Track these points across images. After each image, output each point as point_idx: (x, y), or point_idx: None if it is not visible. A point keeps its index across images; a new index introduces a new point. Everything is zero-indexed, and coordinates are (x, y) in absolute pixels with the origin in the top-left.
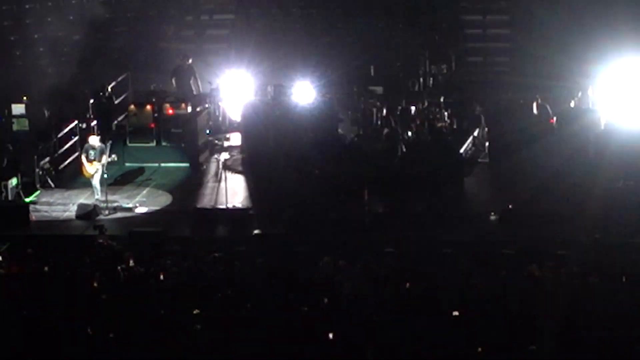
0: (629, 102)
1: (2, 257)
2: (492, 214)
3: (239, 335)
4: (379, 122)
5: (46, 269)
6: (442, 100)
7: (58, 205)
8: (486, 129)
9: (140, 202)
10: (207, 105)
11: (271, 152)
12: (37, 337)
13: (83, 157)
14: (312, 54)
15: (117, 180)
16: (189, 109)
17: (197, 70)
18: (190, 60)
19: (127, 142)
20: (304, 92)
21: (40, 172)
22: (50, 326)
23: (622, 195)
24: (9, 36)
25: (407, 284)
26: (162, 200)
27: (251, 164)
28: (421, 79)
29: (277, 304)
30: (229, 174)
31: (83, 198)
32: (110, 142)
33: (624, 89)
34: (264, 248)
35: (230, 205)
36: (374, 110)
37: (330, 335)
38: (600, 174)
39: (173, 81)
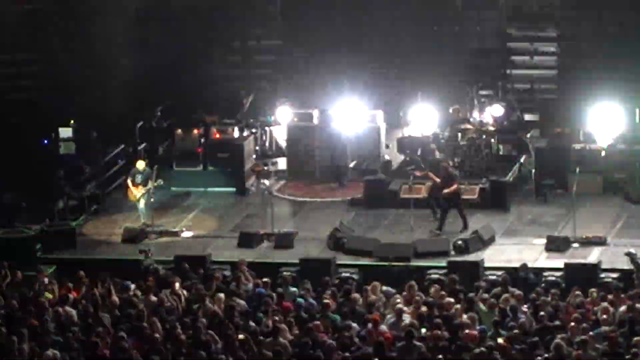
0: None
1: (49, 281)
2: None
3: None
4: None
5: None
6: (489, 127)
7: (104, 229)
8: (533, 156)
9: (186, 227)
10: (254, 130)
11: (316, 176)
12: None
13: (129, 181)
14: (359, 77)
15: (163, 204)
16: (236, 134)
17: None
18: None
19: (174, 166)
20: (350, 117)
21: (87, 196)
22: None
23: None
24: (59, 58)
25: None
26: (208, 224)
27: (297, 189)
28: (467, 105)
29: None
30: (275, 199)
31: (129, 222)
32: (156, 166)
33: None
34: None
35: (276, 230)
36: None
37: None
38: None
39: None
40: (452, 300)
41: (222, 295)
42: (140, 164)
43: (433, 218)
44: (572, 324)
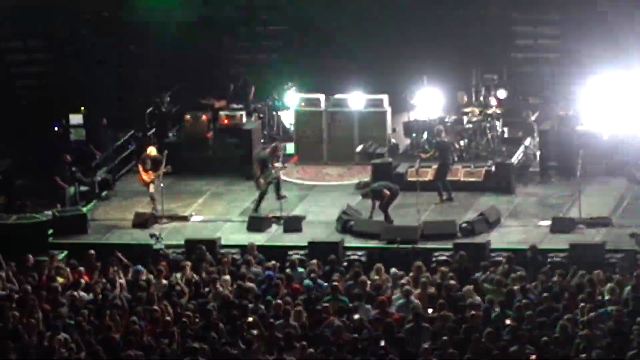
0: None
1: (60, 266)
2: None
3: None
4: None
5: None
6: (494, 109)
7: (115, 214)
8: (537, 138)
9: (196, 211)
10: (262, 115)
11: (325, 160)
12: (100, 342)
13: (140, 167)
14: (365, 62)
15: (173, 189)
16: (244, 119)
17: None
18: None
19: (183, 151)
20: (357, 101)
21: (98, 181)
22: (111, 332)
23: None
24: (66, 46)
25: None
26: (218, 209)
27: (305, 172)
28: (473, 89)
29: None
30: (284, 183)
31: (139, 207)
32: (166, 152)
33: None
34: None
35: (285, 214)
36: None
37: None
38: None
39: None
40: (457, 283)
41: (228, 277)
42: (151, 150)
43: (440, 200)
44: (579, 304)
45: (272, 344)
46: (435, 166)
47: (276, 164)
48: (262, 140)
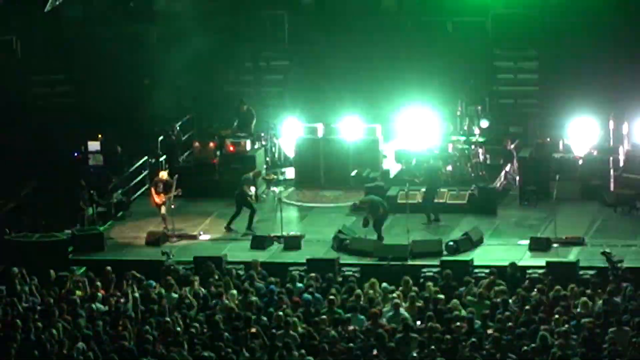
0: None
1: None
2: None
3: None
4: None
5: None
6: (477, 137)
7: (129, 233)
8: (517, 164)
9: (204, 230)
10: (264, 143)
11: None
12: (115, 351)
13: (152, 190)
14: (359, 94)
15: (182, 210)
16: (248, 146)
17: (255, 112)
18: (245, 106)
19: (192, 176)
20: (351, 129)
21: (114, 203)
22: (125, 341)
23: None
24: (86, 82)
25: None
26: (224, 228)
27: (304, 195)
28: (458, 119)
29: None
30: (284, 205)
31: (152, 226)
32: (176, 176)
33: None
34: (314, 272)
35: (285, 233)
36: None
37: None
38: None
39: (235, 124)
40: (443, 296)
41: (235, 292)
42: (163, 174)
43: (428, 221)
44: (555, 316)
45: (273, 353)
46: (423, 190)
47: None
48: (264, 166)
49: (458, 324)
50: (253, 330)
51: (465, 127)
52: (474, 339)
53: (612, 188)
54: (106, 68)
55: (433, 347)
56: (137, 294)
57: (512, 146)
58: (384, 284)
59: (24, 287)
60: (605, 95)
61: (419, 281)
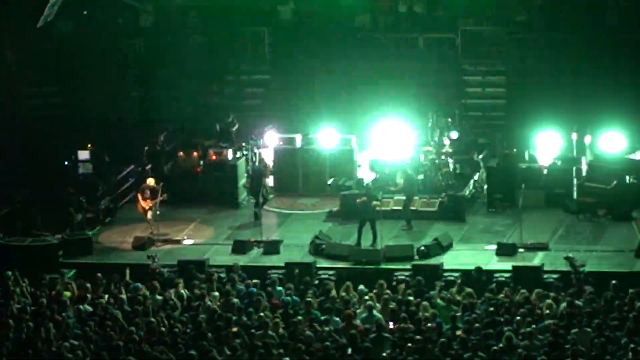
0: None
1: (68, 282)
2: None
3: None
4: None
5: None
6: (447, 148)
7: (117, 238)
8: (485, 173)
9: (187, 235)
10: (245, 152)
11: (299, 192)
12: (103, 349)
13: (139, 195)
14: (336, 107)
15: (167, 216)
16: (230, 155)
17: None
18: (231, 117)
19: (176, 183)
20: (328, 139)
21: (102, 209)
22: (112, 340)
23: None
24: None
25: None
26: (206, 233)
27: (283, 202)
28: (429, 130)
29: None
30: (264, 212)
31: (138, 231)
32: (162, 183)
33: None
34: (292, 275)
35: (264, 238)
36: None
37: None
38: None
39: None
40: (414, 299)
41: (217, 294)
42: (149, 181)
43: (407, 227)
44: (519, 317)
45: (253, 352)
46: (397, 197)
47: None
48: (245, 175)
49: (429, 325)
50: (234, 330)
51: (436, 138)
52: (443, 340)
53: (575, 196)
54: (95, 81)
55: (404, 346)
56: (124, 296)
57: (481, 157)
58: (360, 287)
59: (16, 289)
60: (568, 108)
61: (391, 284)
